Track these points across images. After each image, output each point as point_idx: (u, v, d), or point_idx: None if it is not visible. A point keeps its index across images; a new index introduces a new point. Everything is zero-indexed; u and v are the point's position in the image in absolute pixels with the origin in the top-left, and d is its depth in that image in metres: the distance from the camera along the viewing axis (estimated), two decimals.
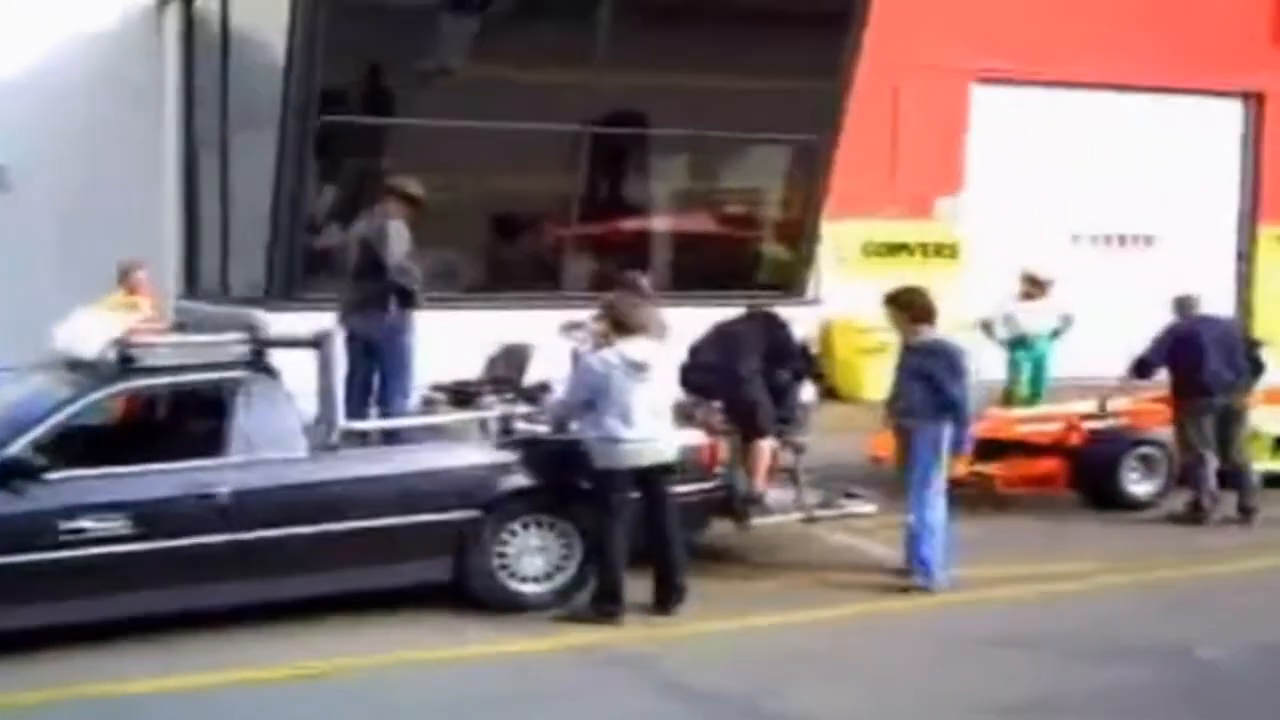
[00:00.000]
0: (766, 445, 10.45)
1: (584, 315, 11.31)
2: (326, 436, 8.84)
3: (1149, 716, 7.21)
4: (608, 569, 8.85)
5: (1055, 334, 15.46)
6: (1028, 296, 15.37)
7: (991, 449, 12.45)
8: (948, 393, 9.43)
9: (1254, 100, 22.76)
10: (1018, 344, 15.35)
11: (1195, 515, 11.76)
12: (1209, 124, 22.54)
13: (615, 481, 8.83)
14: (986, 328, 15.54)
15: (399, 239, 10.38)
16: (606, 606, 8.81)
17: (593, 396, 8.89)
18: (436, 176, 16.04)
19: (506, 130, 15.58)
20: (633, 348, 8.92)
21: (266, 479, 8.46)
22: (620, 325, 9.06)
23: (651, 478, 8.93)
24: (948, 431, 9.53)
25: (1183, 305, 12.36)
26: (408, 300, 10.40)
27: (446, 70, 15.95)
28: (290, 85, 14.60)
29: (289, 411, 8.70)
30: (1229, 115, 22.82)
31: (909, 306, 9.82)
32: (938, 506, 9.53)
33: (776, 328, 10.85)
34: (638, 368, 8.83)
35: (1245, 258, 23.00)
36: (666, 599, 8.96)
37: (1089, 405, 13.23)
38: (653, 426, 8.88)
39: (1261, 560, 10.52)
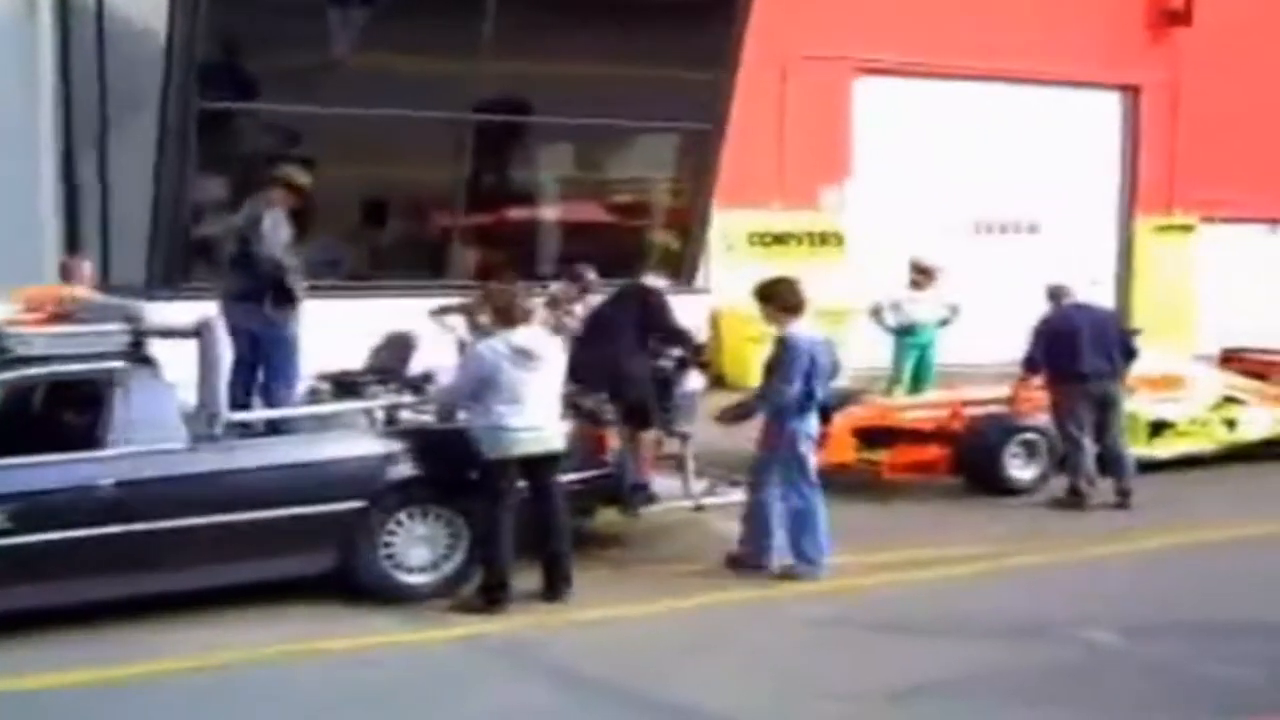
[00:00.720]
0: (652, 434, 10.48)
1: (454, 300, 11.31)
2: (209, 427, 8.72)
3: (1033, 698, 7.29)
4: (494, 559, 8.82)
5: (943, 323, 15.62)
6: (916, 285, 15.53)
7: (877, 436, 12.59)
8: (811, 385, 9.49)
9: (1132, 92, 23.17)
10: (905, 332, 15.50)
11: (1074, 500, 11.95)
12: (1088, 116, 22.92)
13: (503, 471, 8.80)
14: (876, 315, 15.67)
15: (275, 231, 10.24)
16: (494, 595, 8.79)
17: (480, 385, 8.85)
18: (321, 164, 15.93)
19: (391, 118, 15.49)
20: (520, 336, 8.89)
21: (148, 471, 8.33)
22: (502, 314, 9.04)
23: (539, 467, 8.92)
24: (814, 422, 9.61)
25: (1055, 294, 12.53)
26: (284, 294, 10.27)
27: (331, 57, 15.82)
28: (170, 70, 14.40)
29: (169, 402, 8.58)
30: (1108, 107, 23.22)
31: (776, 299, 9.83)
32: (810, 496, 9.58)
33: (648, 298, 10.91)
34: (526, 356, 8.81)
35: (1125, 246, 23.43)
36: (554, 588, 8.96)
37: (977, 392, 13.45)
38: (541, 415, 8.86)
39: (1138, 543, 10.71)
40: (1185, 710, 6.89)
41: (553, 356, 9.11)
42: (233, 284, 10.46)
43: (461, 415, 9.15)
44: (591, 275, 11.80)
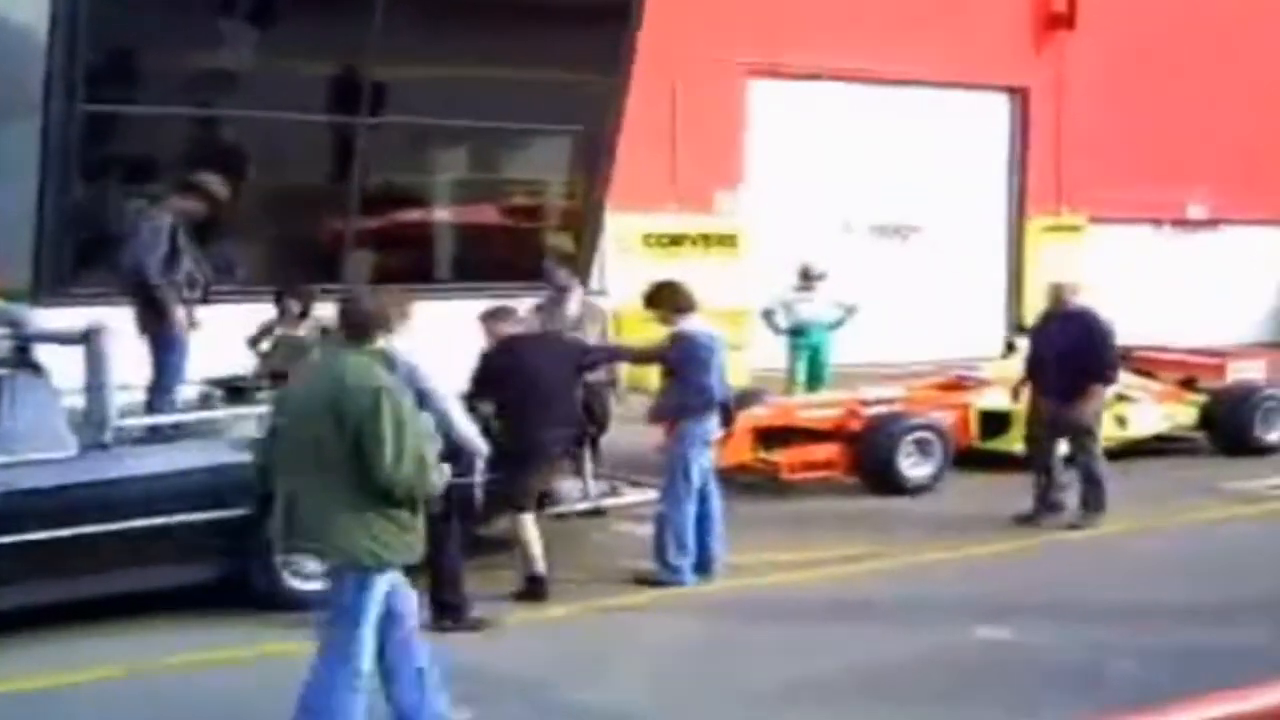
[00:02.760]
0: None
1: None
2: (98, 435, 8.55)
3: (923, 693, 7.34)
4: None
5: (837, 323, 15.70)
6: (804, 288, 15.62)
7: (776, 436, 12.63)
8: (702, 383, 9.45)
9: (1019, 95, 23.49)
10: (797, 332, 15.57)
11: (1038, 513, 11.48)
12: (977, 118, 23.22)
13: None
14: (768, 316, 15.74)
15: (153, 240, 10.06)
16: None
17: None
18: (211, 167, 15.74)
19: (281, 121, 15.30)
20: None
21: (36, 479, 8.15)
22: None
23: None
24: (710, 423, 9.58)
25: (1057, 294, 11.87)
26: (154, 301, 10.12)
27: (219, 59, 15.61)
28: (51, 73, 14.11)
29: (56, 410, 8.41)
30: (996, 110, 23.52)
31: (665, 302, 9.75)
32: (686, 501, 9.49)
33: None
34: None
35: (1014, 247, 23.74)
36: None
37: (874, 391, 13.58)
38: None
39: (1030, 539, 10.83)
40: (1067, 701, 6.95)
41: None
42: (128, 290, 10.30)
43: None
44: (562, 274, 11.58)
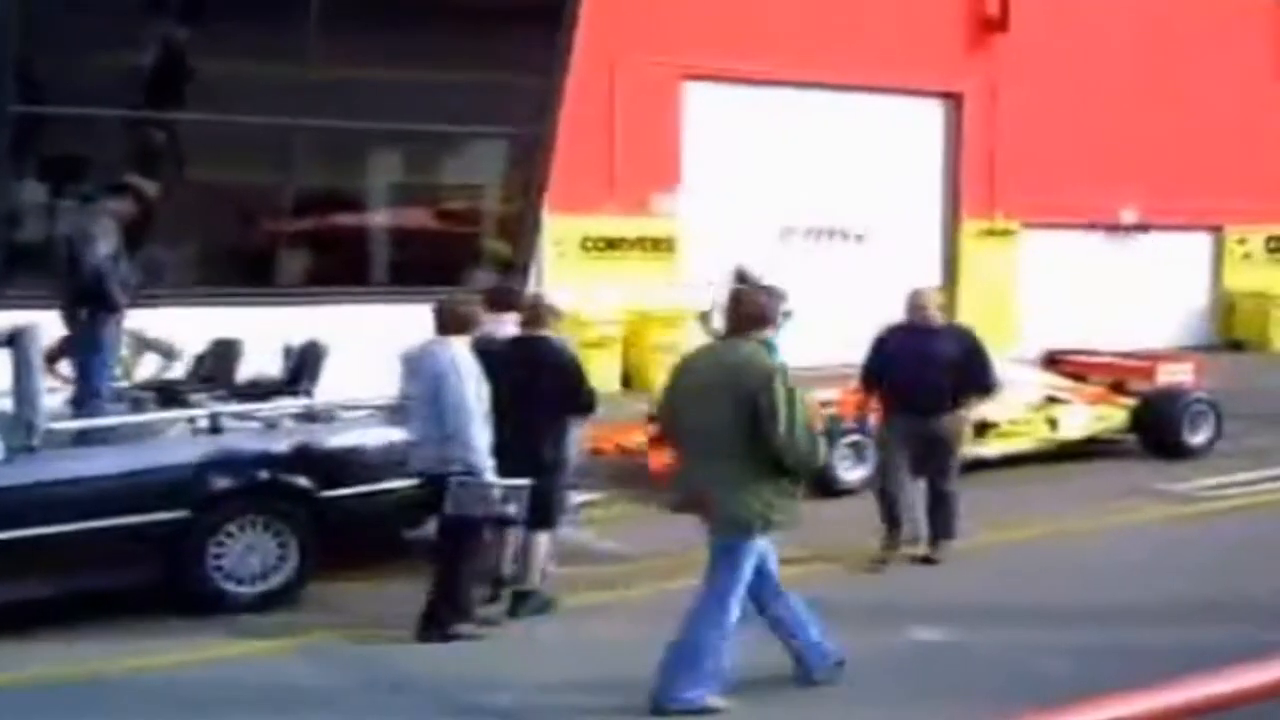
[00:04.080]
0: (545, 537, 9.74)
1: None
2: (25, 438, 8.45)
3: (856, 694, 7.34)
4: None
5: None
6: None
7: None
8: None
9: (954, 101, 23.62)
10: None
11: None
12: (912, 122, 23.32)
13: None
14: (704, 320, 15.75)
15: (103, 239, 9.95)
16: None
17: None
18: (143, 170, 15.59)
19: (215, 123, 15.18)
20: None
21: None
22: None
23: None
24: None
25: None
26: (105, 301, 9.98)
27: (153, 61, 15.47)
28: None
29: None
30: (931, 114, 23.64)
31: (494, 304, 9.55)
32: None
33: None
34: None
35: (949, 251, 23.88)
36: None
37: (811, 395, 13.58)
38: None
39: (965, 540, 10.85)
40: (999, 701, 6.99)
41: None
42: (62, 292, 10.13)
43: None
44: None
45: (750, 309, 7.19)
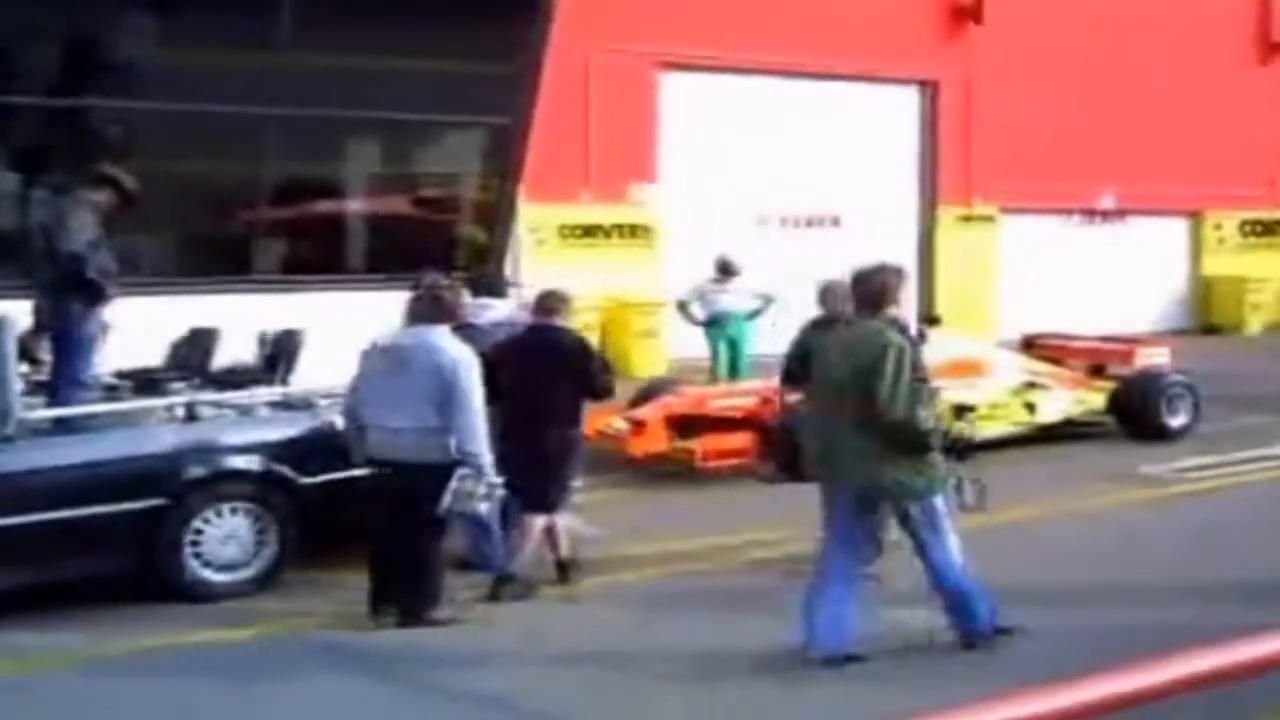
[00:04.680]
0: (542, 521, 9.86)
1: None
2: (2, 427, 8.40)
3: (840, 676, 7.36)
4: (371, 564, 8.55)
5: (755, 313, 15.74)
6: (721, 280, 15.70)
7: (691, 425, 12.63)
8: None
9: (929, 88, 23.65)
10: (714, 323, 15.62)
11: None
12: (888, 110, 23.36)
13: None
14: (683, 308, 15.79)
15: (81, 229, 9.85)
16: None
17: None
18: (118, 160, 15.51)
19: (189, 113, 15.10)
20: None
21: None
22: None
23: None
24: None
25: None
26: (88, 289, 9.89)
27: (126, 50, 15.40)
28: None
29: None
30: (906, 102, 23.67)
31: (479, 291, 9.85)
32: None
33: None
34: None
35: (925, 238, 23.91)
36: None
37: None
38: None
39: None
40: (981, 680, 6.98)
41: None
42: (39, 281, 10.04)
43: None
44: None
45: (872, 288, 7.48)
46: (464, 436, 7.98)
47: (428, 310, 8.38)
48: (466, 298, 9.59)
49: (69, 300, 9.88)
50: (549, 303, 9.22)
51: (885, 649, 7.71)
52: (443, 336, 8.26)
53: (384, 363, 8.31)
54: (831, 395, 7.49)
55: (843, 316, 9.22)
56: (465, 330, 8.82)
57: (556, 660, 7.73)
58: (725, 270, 15.72)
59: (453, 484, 7.93)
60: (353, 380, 8.49)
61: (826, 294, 10.21)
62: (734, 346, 15.68)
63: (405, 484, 8.11)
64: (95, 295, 9.91)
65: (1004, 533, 10.66)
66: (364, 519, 8.57)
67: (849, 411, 7.29)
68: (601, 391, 9.25)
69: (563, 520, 9.11)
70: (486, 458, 8.07)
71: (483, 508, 8.18)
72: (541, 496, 8.89)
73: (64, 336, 9.95)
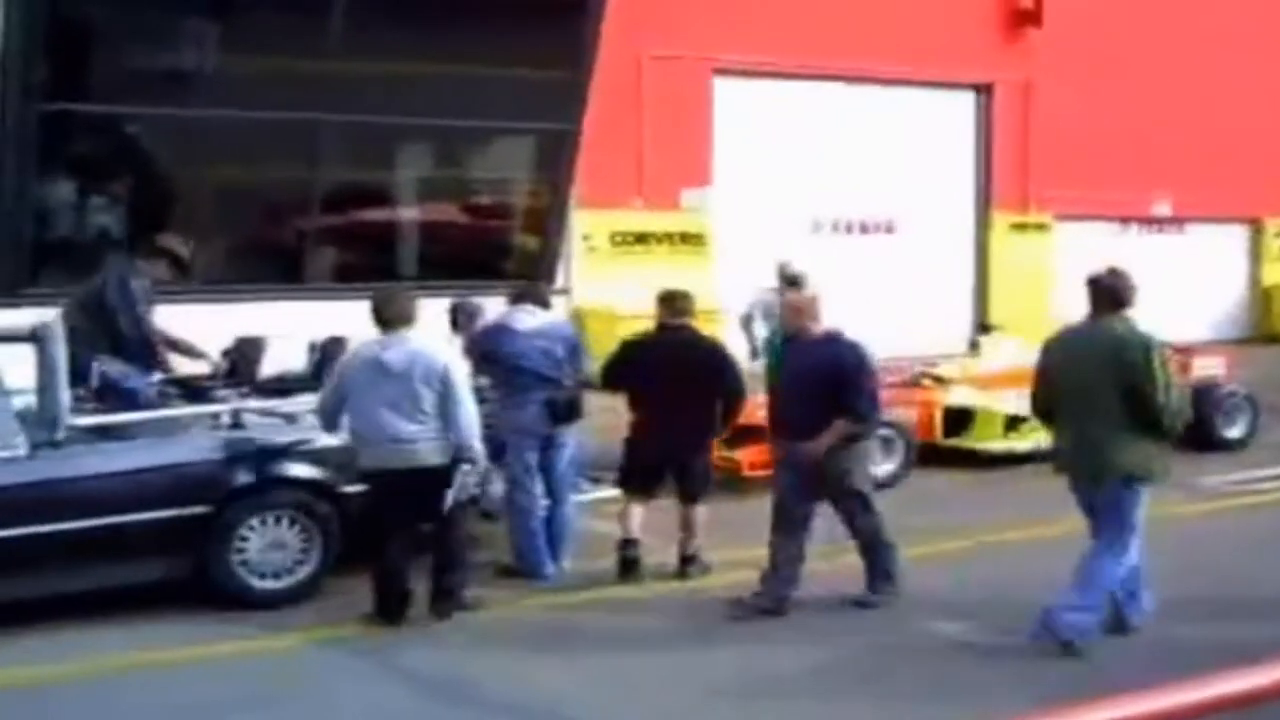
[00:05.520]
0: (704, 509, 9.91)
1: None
2: (50, 433, 8.45)
3: (873, 689, 7.31)
4: (377, 569, 8.64)
5: None
6: (783, 290, 15.23)
7: (737, 434, 12.55)
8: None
9: (985, 91, 23.48)
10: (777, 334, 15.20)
11: None
12: (943, 115, 23.21)
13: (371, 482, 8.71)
14: (747, 325, 15.52)
15: (143, 299, 9.86)
16: (384, 606, 8.55)
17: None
18: (171, 166, 15.68)
19: (242, 119, 15.19)
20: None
21: None
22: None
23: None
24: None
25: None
26: (146, 357, 9.97)
27: (179, 57, 15.50)
28: (6, 72, 13.96)
29: (4, 408, 8.30)
30: (962, 107, 23.51)
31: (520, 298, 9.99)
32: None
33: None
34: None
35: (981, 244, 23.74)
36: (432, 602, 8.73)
37: None
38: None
39: (985, 536, 10.76)
40: (1017, 697, 6.93)
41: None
42: (82, 327, 10.01)
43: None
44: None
45: (1109, 294, 8.00)
46: (464, 434, 8.27)
47: (394, 316, 8.54)
48: (503, 305, 9.77)
49: (132, 361, 9.95)
50: (682, 304, 9.62)
51: (928, 662, 7.66)
52: (428, 342, 8.54)
53: (376, 374, 8.37)
54: (1078, 392, 7.94)
55: (806, 332, 9.14)
56: (500, 333, 9.34)
57: (597, 670, 7.69)
58: (793, 282, 15.20)
59: (457, 479, 8.26)
60: (332, 391, 8.60)
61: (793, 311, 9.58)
62: None
63: (416, 487, 8.28)
64: (152, 361, 9.99)
65: (1050, 545, 10.54)
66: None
67: (1100, 407, 7.77)
68: (735, 394, 9.60)
69: (701, 514, 9.58)
70: (481, 450, 8.45)
71: (477, 493, 8.75)
72: (695, 485, 9.48)
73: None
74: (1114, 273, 8.18)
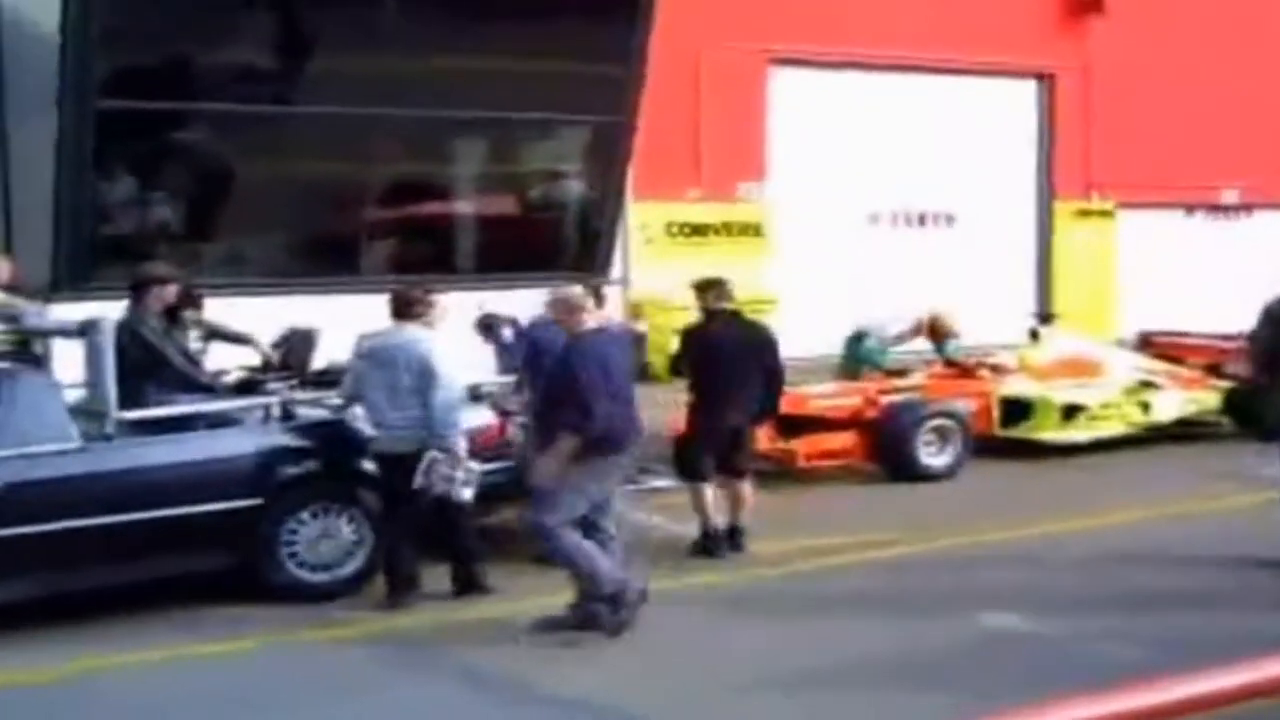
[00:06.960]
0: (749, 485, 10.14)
1: None
2: (101, 427, 8.53)
3: (925, 680, 7.22)
4: (387, 557, 8.77)
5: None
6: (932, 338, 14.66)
7: (792, 425, 12.52)
8: None
9: (1047, 80, 23.27)
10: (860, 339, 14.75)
11: None
12: (1005, 104, 23.03)
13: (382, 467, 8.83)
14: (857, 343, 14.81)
15: (163, 339, 9.80)
16: (396, 593, 8.65)
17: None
18: (227, 161, 15.79)
19: (298, 115, 15.27)
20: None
21: (39, 471, 8.14)
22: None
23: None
24: None
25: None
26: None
27: (235, 54, 15.59)
28: (65, 70, 14.09)
29: (56, 402, 8.40)
30: (1023, 95, 23.32)
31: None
32: None
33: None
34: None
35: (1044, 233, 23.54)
36: (456, 586, 8.82)
37: (893, 379, 13.46)
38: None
39: (1038, 528, 10.65)
40: (1063, 688, 6.85)
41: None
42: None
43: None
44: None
45: None
46: (436, 421, 8.40)
47: (401, 309, 8.73)
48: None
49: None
50: (720, 289, 10.04)
51: (975, 654, 7.60)
52: (418, 331, 8.67)
53: (374, 363, 8.67)
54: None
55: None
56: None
57: (648, 664, 7.67)
58: (943, 334, 14.48)
59: (424, 463, 8.33)
60: (349, 380, 8.92)
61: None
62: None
63: (405, 471, 8.42)
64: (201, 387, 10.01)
65: (1115, 534, 10.48)
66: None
67: None
68: (779, 372, 10.07)
69: (748, 488, 9.96)
70: (456, 439, 8.47)
71: (465, 493, 8.53)
72: (736, 465, 9.89)
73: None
74: None
